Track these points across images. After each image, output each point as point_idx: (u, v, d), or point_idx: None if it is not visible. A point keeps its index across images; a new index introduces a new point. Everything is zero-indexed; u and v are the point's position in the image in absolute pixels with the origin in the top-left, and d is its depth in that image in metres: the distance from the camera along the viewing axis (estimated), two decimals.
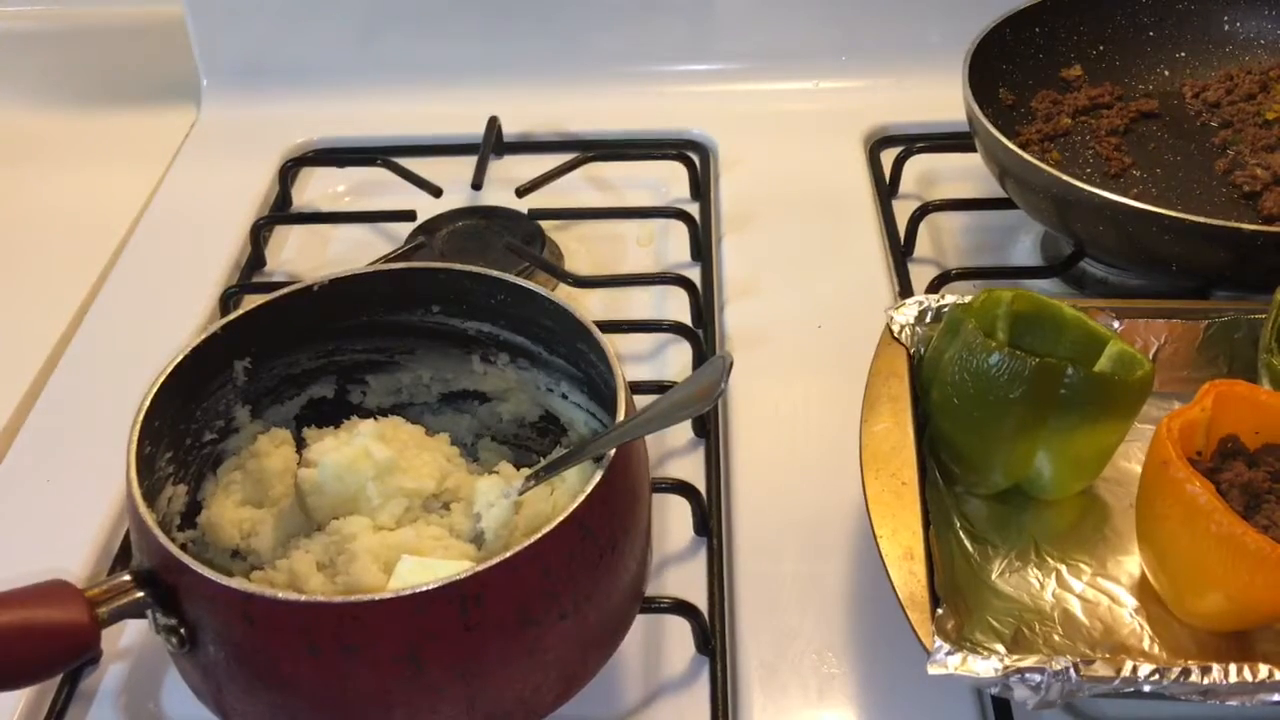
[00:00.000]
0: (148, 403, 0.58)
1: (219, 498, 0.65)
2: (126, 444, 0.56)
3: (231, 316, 0.64)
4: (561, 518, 0.52)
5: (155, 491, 0.60)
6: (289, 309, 0.65)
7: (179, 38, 1.13)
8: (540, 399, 0.70)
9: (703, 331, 0.85)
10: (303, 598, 0.51)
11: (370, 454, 0.64)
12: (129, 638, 0.68)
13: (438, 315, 0.68)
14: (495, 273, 0.66)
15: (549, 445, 0.71)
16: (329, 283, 0.65)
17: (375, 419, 0.68)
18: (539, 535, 0.51)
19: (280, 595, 0.50)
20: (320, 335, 0.68)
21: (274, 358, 0.67)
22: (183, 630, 0.53)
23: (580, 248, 0.97)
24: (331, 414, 0.70)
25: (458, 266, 0.66)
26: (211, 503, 0.65)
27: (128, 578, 0.53)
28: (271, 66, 1.14)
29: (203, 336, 0.62)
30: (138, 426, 0.57)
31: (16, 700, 0.65)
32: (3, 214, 1.04)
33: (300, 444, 0.68)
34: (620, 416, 0.57)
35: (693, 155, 1.03)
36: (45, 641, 0.51)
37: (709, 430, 0.78)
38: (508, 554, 0.50)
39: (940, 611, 0.57)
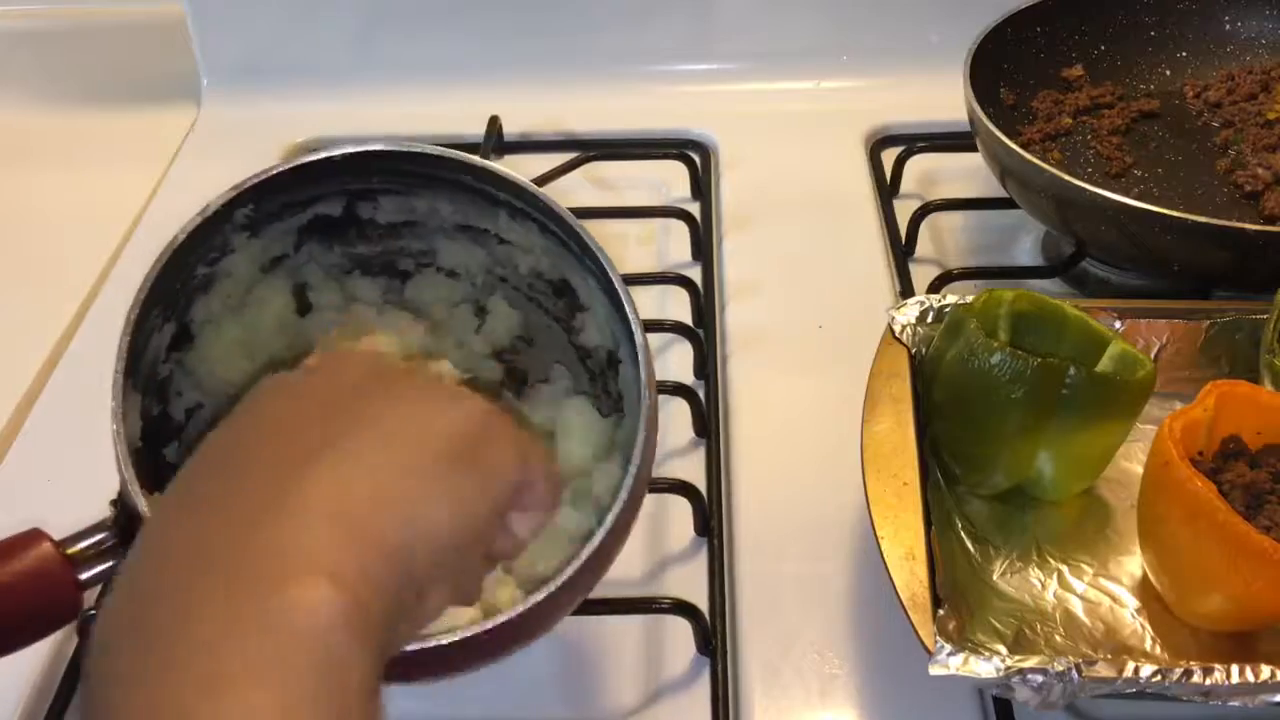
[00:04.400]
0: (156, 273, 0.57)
1: (209, 338, 0.64)
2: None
3: (234, 192, 0.60)
4: (552, 589, 0.52)
5: (142, 347, 0.59)
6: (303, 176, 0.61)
7: (179, 37, 1.13)
8: (563, 270, 0.66)
9: (704, 331, 0.85)
10: None
11: None
12: None
13: (467, 180, 0.63)
14: (544, 196, 0.61)
15: (564, 310, 0.67)
16: (350, 155, 0.60)
17: (377, 311, 0.66)
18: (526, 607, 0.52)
19: None
20: (336, 181, 0.64)
21: (280, 195, 0.63)
22: None
23: None
24: (338, 228, 0.66)
25: (509, 174, 0.61)
26: (201, 343, 0.64)
27: (107, 536, 0.53)
28: (272, 65, 1.13)
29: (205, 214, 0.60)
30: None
31: (17, 700, 0.65)
32: (3, 214, 1.04)
33: (300, 277, 0.66)
34: (643, 384, 0.56)
35: (693, 155, 1.02)
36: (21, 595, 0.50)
37: (710, 430, 0.77)
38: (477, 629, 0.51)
39: (942, 612, 0.57)
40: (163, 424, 0.63)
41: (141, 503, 0.52)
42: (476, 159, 0.61)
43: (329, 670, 0.35)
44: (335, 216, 0.66)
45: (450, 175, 0.63)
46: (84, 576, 0.51)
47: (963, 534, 0.67)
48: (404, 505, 0.40)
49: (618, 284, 0.58)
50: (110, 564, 0.52)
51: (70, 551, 0.51)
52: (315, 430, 0.42)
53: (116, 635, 0.37)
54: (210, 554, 0.37)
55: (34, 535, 0.51)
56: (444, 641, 0.50)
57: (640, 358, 0.57)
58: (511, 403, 0.68)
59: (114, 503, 0.54)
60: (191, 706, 0.33)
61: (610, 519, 0.53)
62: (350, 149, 0.60)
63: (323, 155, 0.60)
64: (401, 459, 0.41)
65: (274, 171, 0.59)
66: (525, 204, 0.63)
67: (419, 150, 0.61)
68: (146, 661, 0.35)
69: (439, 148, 0.60)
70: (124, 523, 0.53)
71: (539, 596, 0.51)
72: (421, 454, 0.42)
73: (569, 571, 0.52)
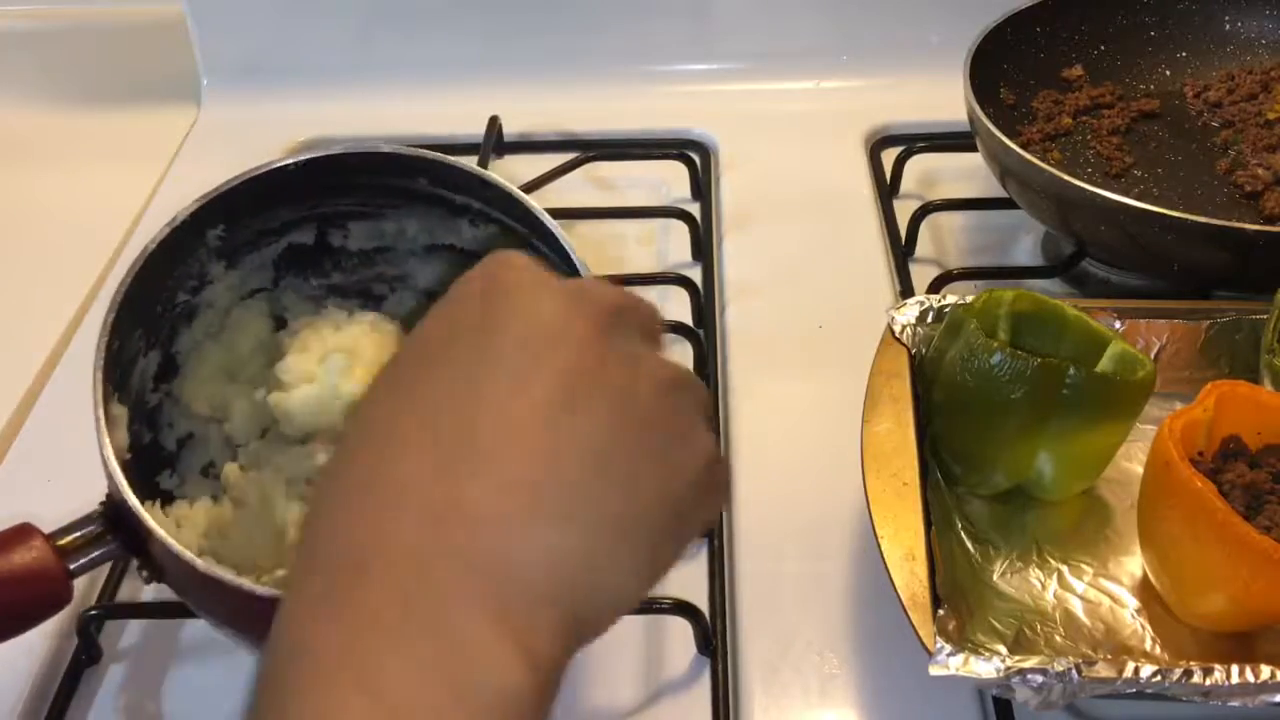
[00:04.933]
0: (121, 293, 0.58)
1: (193, 367, 0.65)
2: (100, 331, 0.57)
3: (199, 202, 0.61)
4: None
5: (128, 366, 0.60)
6: (267, 184, 0.63)
7: (179, 37, 1.13)
8: None
9: (703, 331, 0.85)
10: (262, 591, 0.51)
11: (339, 396, 0.63)
12: (129, 638, 0.68)
13: (424, 185, 0.65)
14: (495, 178, 0.63)
15: None
16: (307, 161, 0.62)
17: (349, 314, 0.67)
18: None
19: (244, 586, 0.51)
20: (301, 197, 0.66)
21: (250, 219, 0.65)
22: (146, 572, 0.55)
23: (581, 247, 0.96)
24: (312, 258, 0.68)
25: (463, 164, 0.63)
26: (186, 373, 0.65)
27: (95, 527, 0.54)
28: (272, 66, 1.14)
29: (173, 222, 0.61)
30: (110, 321, 0.57)
31: (16, 700, 0.65)
32: (2, 214, 1.04)
33: (279, 305, 0.67)
34: None
35: (693, 155, 1.02)
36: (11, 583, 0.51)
37: (710, 430, 0.77)
38: None
39: (941, 612, 0.57)
40: (155, 452, 0.64)
41: (128, 491, 0.53)
42: (432, 154, 0.62)
43: None
44: (308, 245, 0.67)
45: (408, 182, 0.64)
46: (74, 566, 0.52)
47: (963, 534, 0.66)
48: (604, 573, 0.38)
49: (578, 262, 0.58)
50: (100, 553, 0.53)
51: (60, 543, 0.52)
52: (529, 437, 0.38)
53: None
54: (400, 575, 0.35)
55: (24, 529, 0.52)
56: None
57: None
58: None
59: (103, 502, 0.55)
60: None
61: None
62: (309, 155, 0.62)
63: (284, 163, 0.62)
64: (618, 515, 0.38)
65: (238, 180, 0.61)
66: (483, 203, 0.63)
67: (377, 150, 0.62)
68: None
69: (395, 146, 0.61)
70: (111, 513, 0.54)
71: None
72: (638, 511, 0.39)
73: None
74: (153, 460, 0.64)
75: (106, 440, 0.55)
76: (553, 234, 0.61)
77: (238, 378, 0.66)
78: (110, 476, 0.54)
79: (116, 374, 0.57)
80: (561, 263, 0.61)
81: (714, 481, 0.43)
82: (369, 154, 0.62)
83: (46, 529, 0.53)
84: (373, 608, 0.35)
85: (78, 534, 0.53)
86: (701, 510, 0.43)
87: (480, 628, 0.35)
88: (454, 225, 0.67)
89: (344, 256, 0.68)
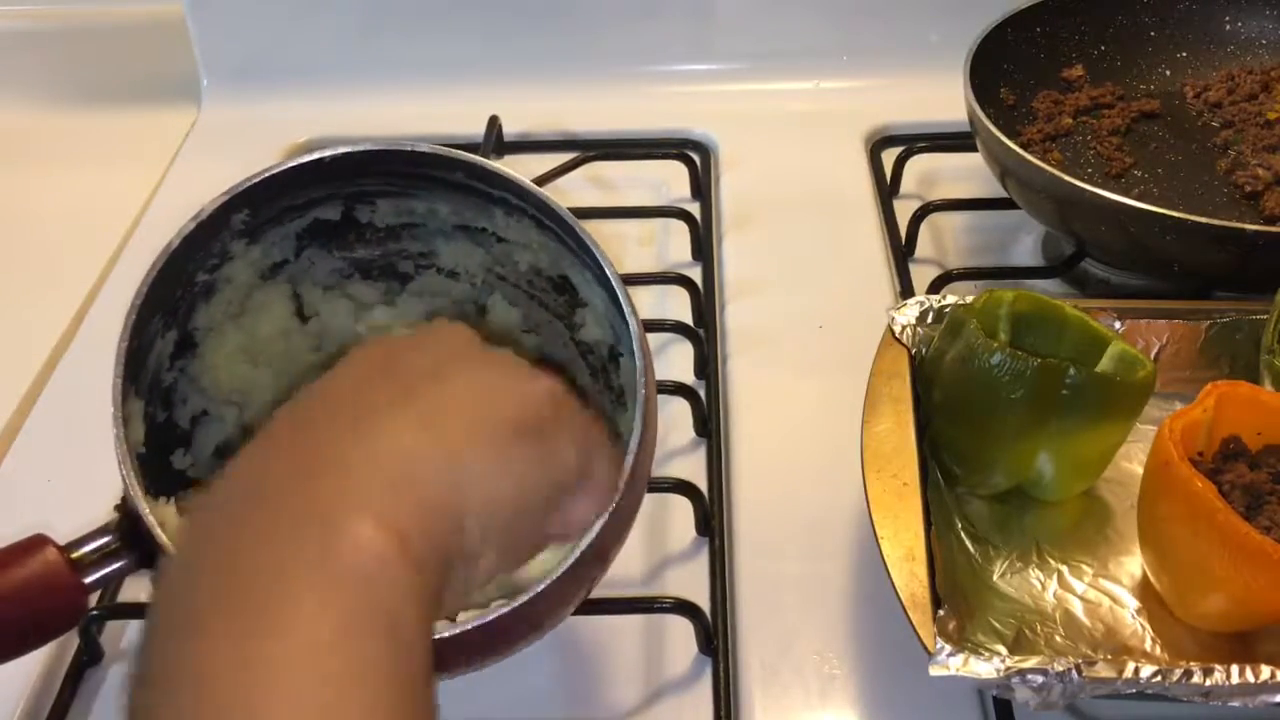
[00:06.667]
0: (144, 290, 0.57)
1: (211, 346, 0.64)
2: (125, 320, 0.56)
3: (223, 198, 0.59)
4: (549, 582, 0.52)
5: (144, 353, 0.59)
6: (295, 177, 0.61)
7: (179, 37, 1.13)
8: (562, 266, 0.66)
9: (704, 331, 0.85)
10: None
11: None
12: (130, 638, 0.68)
13: (460, 178, 0.63)
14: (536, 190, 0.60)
15: (564, 306, 0.67)
16: (340, 155, 0.60)
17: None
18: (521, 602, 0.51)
19: None
20: (330, 181, 0.64)
21: (276, 201, 0.63)
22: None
23: None
24: (338, 232, 0.66)
25: (501, 169, 0.61)
26: (204, 351, 0.64)
27: (111, 541, 0.53)
28: (272, 66, 1.14)
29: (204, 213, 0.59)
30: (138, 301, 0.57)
31: (17, 700, 0.65)
32: (3, 214, 1.04)
33: (299, 282, 0.67)
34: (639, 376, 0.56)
35: (693, 155, 1.02)
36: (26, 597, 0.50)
37: (711, 430, 0.78)
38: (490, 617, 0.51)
39: (942, 612, 0.57)
40: (169, 431, 0.63)
41: (144, 507, 0.52)
42: (468, 155, 0.61)
43: (376, 601, 0.37)
44: (334, 221, 0.66)
45: (443, 174, 0.63)
46: (89, 580, 0.51)
47: (963, 534, 0.67)
48: (462, 468, 0.42)
49: (611, 275, 0.58)
50: (114, 567, 0.52)
51: (75, 556, 0.51)
52: (394, 387, 0.44)
53: (185, 562, 0.40)
54: (275, 499, 0.40)
55: (38, 541, 0.51)
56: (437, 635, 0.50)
57: (636, 348, 0.57)
58: (594, 392, 0.67)
59: (118, 507, 0.54)
60: (243, 636, 0.35)
61: (607, 512, 0.53)
62: (342, 150, 0.60)
63: (314, 157, 0.60)
64: (468, 424, 0.43)
65: (265, 175, 0.59)
66: (519, 199, 0.63)
67: (410, 149, 0.61)
68: (203, 595, 0.37)
69: (432, 145, 0.60)
70: (127, 526, 0.53)
71: (539, 588, 0.51)
72: (489, 423, 0.44)
73: (568, 562, 0.52)
74: (166, 439, 0.63)
75: (126, 452, 0.53)
76: (587, 246, 0.60)
77: (258, 361, 0.65)
78: (127, 493, 0.53)
79: (133, 366, 0.56)
80: (597, 272, 0.60)
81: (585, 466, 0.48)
82: (403, 151, 0.61)
83: (50, 530, 0.53)
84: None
85: (93, 546, 0.52)
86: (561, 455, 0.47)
87: (338, 513, 0.38)
88: (488, 211, 0.65)
89: (369, 230, 0.67)
